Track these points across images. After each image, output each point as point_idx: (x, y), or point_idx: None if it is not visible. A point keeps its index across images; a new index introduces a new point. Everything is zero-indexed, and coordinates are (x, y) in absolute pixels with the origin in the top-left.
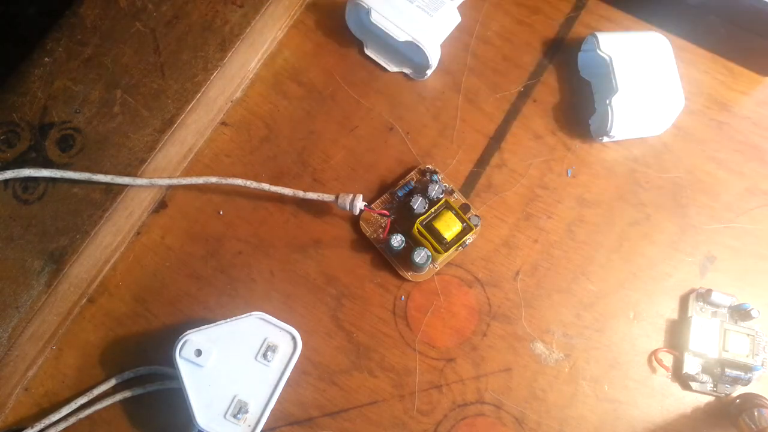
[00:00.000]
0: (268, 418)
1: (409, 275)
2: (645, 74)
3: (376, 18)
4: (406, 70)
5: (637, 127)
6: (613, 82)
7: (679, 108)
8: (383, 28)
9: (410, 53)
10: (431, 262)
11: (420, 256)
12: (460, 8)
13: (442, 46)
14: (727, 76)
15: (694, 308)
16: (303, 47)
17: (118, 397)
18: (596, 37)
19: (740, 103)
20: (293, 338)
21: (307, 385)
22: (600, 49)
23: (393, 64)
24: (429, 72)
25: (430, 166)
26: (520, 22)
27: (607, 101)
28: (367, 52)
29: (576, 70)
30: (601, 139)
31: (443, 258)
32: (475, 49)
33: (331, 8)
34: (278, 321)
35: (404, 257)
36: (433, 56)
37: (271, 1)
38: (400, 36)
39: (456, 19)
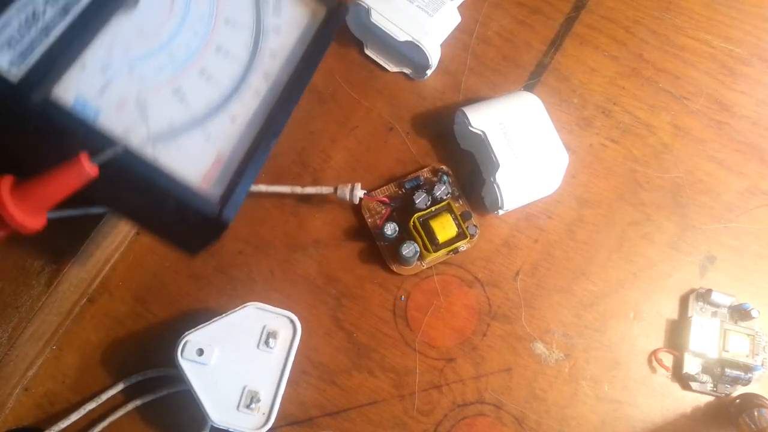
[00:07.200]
0: None
1: (394, 267)
2: (523, 139)
3: (376, 18)
4: (406, 70)
5: (529, 193)
6: (493, 157)
7: (565, 164)
8: (383, 28)
9: (410, 53)
10: (418, 259)
11: (408, 249)
12: (460, 8)
13: (442, 46)
14: (728, 76)
15: (694, 308)
16: None
17: (130, 406)
18: (465, 113)
19: (740, 103)
20: (291, 321)
21: (307, 385)
22: (472, 126)
23: (393, 64)
24: (429, 72)
25: (443, 167)
26: (520, 22)
27: (492, 178)
28: (367, 52)
29: (457, 143)
30: (497, 213)
31: (432, 258)
32: (475, 49)
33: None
34: (274, 307)
35: (395, 248)
36: (433, 56)
37: None
38: (400, 36)
39: (456, 19)
